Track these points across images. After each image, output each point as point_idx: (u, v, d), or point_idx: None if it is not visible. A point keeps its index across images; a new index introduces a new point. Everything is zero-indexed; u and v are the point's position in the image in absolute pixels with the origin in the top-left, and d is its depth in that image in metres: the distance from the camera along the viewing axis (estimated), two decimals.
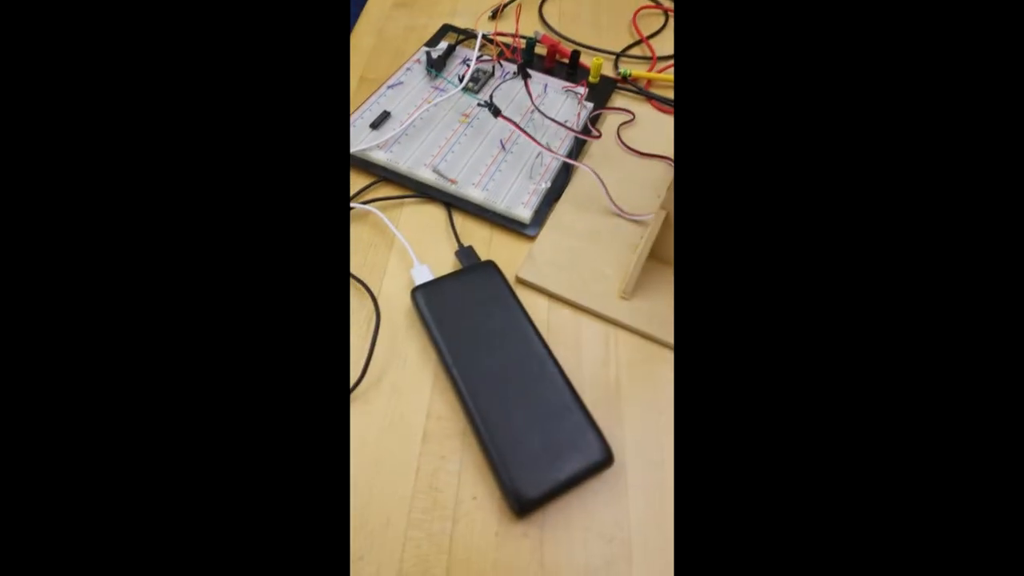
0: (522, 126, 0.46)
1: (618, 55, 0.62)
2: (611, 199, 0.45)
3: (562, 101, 0.55)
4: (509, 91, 0.55)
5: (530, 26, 0.65)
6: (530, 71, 0.55)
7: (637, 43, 0.64)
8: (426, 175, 0.47)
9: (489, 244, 0.44)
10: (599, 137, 0.51)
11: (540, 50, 0.59)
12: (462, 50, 0.58)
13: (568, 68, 0.58)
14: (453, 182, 0.46)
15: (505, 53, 0.57)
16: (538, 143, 0.46)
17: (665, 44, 0.64)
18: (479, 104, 0.49)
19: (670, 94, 0.57)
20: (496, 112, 0.47)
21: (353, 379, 0.35)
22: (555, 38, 0.62)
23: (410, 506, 0.32)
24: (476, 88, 0.54)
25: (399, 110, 0.52)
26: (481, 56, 0.56)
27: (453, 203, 0.46)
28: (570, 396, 0.34)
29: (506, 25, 0.64)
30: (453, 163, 0.48)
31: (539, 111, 0.51)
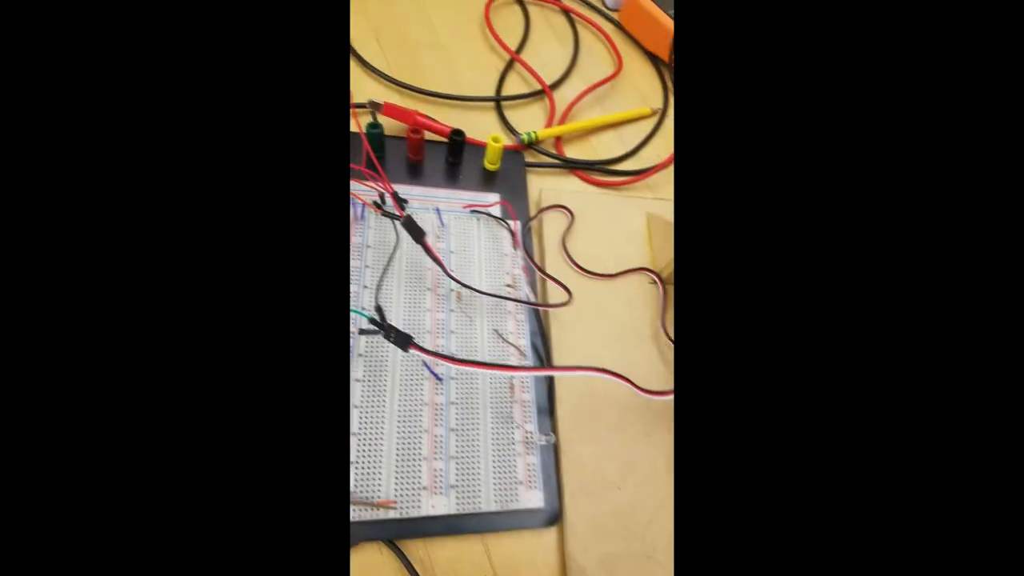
0: (443, 302, 0.26)
1: (499, 100, 0.40)
2: (636, 386, 0.27)
3: (475, 231, 0.33)
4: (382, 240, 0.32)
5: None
6: (400, 194, 0.32)
7: (509, 67, 0.42)
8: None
9: None
10: (569, 301, 0.32)
11: (388, 126, 0.35)
12: None
13: (449, 155, 0.35)
14: (388, 505, 0.25)
15: None
16: (501, 367, 0.26)
17: (552, 59, 0.44)
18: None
19: (588, 150, 0.39)
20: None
21: None
22: (400, 104, 0.39)
23: None
24: None
25: None
26: None
27: (401, 536, 0.25)
28: None
29: None
30: (367, 477, 0.26)
31: (462, 285, 0.30)
